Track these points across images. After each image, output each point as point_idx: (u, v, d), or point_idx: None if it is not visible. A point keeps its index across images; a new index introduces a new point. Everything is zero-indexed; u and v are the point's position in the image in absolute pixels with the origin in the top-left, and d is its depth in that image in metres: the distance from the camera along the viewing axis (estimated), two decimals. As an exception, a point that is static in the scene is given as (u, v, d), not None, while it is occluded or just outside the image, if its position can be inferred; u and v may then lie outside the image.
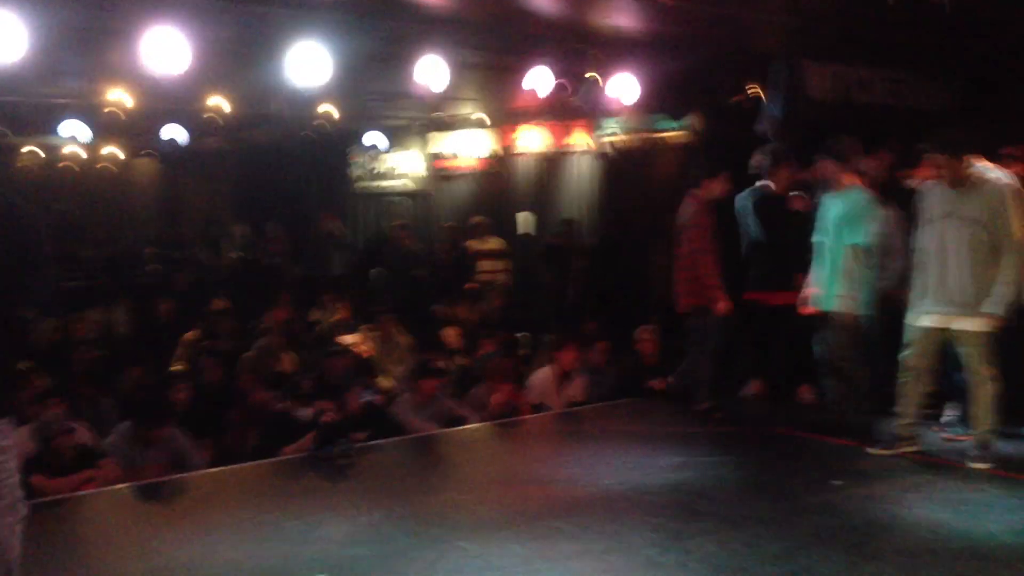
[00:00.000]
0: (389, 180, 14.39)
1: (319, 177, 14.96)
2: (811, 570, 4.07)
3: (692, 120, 9.99)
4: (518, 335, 9.37)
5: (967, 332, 5.43)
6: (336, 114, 11.55)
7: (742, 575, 4.03)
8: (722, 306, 6.72)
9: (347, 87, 8.72)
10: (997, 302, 5.33)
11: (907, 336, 5.65)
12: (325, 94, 9.99)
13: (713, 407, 6.87)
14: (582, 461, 5.92)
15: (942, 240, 5.49)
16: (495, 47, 8.55)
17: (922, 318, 5.57)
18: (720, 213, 7.04)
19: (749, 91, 8.75)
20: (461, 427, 6.95)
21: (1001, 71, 8.30)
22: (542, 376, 7.75)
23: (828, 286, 6.30)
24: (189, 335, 8.77)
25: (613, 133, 11.07)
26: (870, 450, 5.79)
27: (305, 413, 6.31)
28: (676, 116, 10.17)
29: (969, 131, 5.78)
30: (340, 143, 13.86)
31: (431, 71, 7.67)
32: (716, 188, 6.98)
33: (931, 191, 5.62)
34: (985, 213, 5.36)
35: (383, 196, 14.51)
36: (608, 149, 11.08)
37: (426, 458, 6.46)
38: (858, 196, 6.27)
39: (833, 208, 6.32)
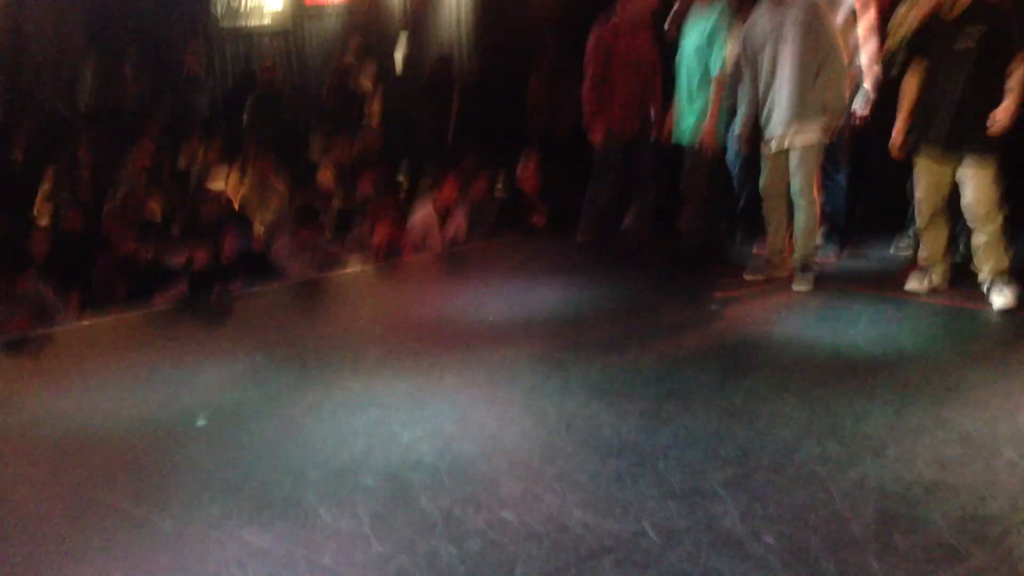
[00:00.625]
0: (254, 18, 13.60)
1: (180, 13, 14.00)
2: (687, 386, 4.21)
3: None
4: (398, 173, 9.19)
5: (799, 149, 5.54)
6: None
7: (620, 395, 4.13)
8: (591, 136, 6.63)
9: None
10: (830, 112, 5.48)
11: (761, 163, 5.76)
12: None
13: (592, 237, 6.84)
14: (466, 298, 5.91)
15: (770, 61, 5.53)
16: None
17: (768, 143, 5.66)
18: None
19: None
20: (342, 269, 6.83)
21: None
22: (423, 214, 7.64)
23: (685, 116, 6.24)
24: (46, 185, 8.28)
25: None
26: (745, 276, 5.95)
27: (177, 260, 6.09)
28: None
29: None
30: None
31: None
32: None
33: (753, 18, 5.63)
34: (805, 29, 5.41)
35: (248, 35, 13.75)
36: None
37: (306, 302, 6.37)
38: (715, 16, 6.07)
39: (691, 33, 6.19)
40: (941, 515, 3.00)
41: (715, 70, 6.06)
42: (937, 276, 5.37)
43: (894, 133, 5.32)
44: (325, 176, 8.68)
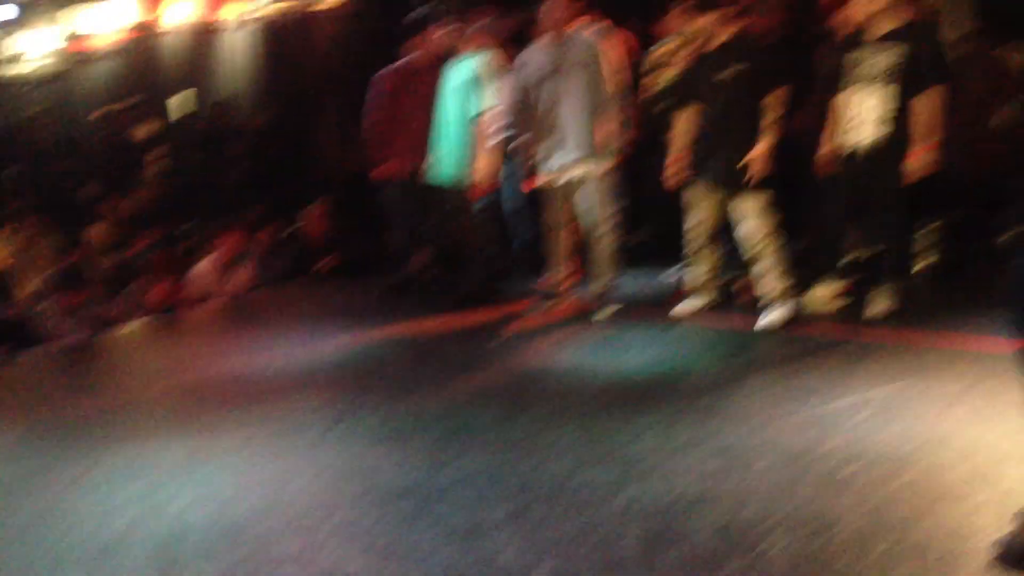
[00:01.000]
0: (18, 65, 12.85)
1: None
2: (470, 424, 4.24)
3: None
4: (180, 226, 8.87)
5: (582, 180, 5.75)
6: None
7: (403, 439, 4.11)
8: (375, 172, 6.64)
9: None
10: (608, 148, 5.72)
11: (543, 197, 5.92)
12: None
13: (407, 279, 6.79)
14: (248, 349, 5.77)
15: (549, 96, 5.73)
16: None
17: (547, 176, 5.83)
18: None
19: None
20: (117, 330, 6.51)
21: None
22: (203, 267, 7.42)
23: (452, 158, 6.31)
24: None
25: (266, 4, 10.50)
26: (528, 310, 6.08)
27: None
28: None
29: None
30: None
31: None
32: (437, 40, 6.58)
33: (530, 55, 5.82)
34: (582, 66, 5.66)
35: (13, 83, 12.97)
36: (258, 21, 10.51)
37: (75, 367, 6.04)
38: (474, 59, 6.22)
39: (454, 75, 6.29)
40: (702, 526, 3.13)
41: (480, 109, 6.17)
42: (705, 300, 5.65)
43: (667, 165, 5.56)
44: (98, 232, 8.27)
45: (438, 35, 6.45)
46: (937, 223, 6.21)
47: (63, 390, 5.41)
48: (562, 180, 5.79)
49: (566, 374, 4.89)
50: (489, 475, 3.68)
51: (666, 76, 6.06)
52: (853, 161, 5.22)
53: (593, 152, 5.69)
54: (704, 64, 5.39)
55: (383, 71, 6.61)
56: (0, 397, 5.32)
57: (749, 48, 5.31)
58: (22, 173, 10.72)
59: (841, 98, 5.21)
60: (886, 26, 5.07)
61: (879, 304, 5.30)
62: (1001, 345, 4.72)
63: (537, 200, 6.05)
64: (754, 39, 5.45)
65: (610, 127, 5.68)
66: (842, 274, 5.54)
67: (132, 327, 6.57)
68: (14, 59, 12.81)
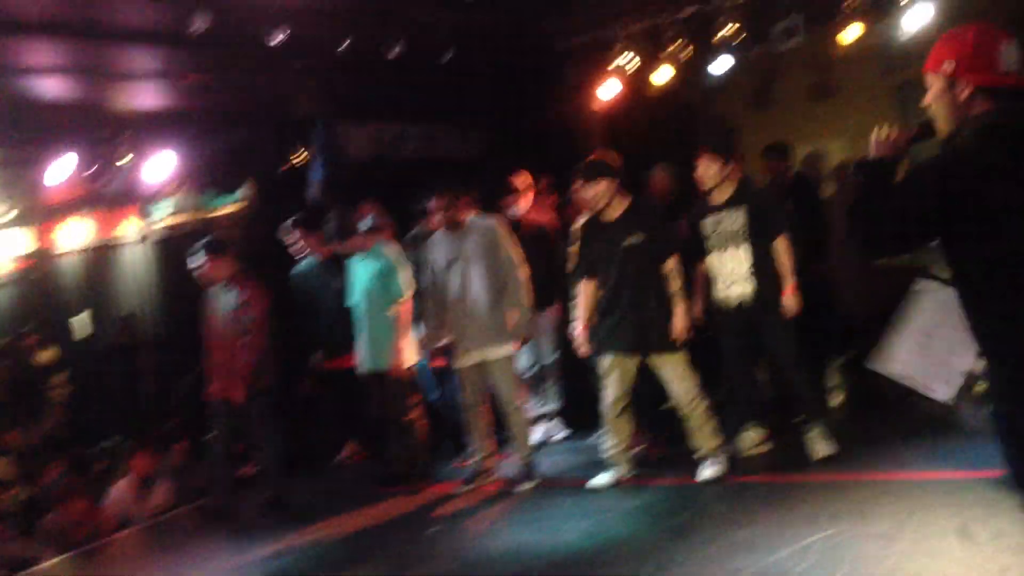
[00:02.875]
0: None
1: None
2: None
3: (246, 191, 9.82)
4: (91, 449, 8.56)
5: (498, 361, 5.86)
6: None
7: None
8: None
9: None
10: (518, 326, 5.87)
11: (456, 379, 6.01)
12: None
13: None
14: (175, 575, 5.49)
15: (456, 283, 5.90)
16: (9, 142, 7.82)
17: (460, 358, 5.93)
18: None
19: (297, 157, 8.78)
20: (32, 567, 6.14)
21: (519, 116, 9.11)
22: (120, 488, 7.13)
23: (374, 346, 6.34)
24: None
25: (164, 217, 10.57)
26: (457, 490, 5.99)
27: None
28: (229, 190, 9.95)
29: (466, 181, 6.26)
30: None
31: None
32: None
33: (434, 243, 6.04)
34: (485, 252, 5.86)
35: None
36: (159, 234, 10.55)
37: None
38: (382, 255, 6.43)
39: (361, 270, 6.43)
40: None
41: (402, 295, 6.30)
42: (621, 472, 5.61)
43: (577, 334, 5.64)
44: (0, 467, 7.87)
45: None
46: (839, 361, 6.46)
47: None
48: (473, 361, 5.88)
49: (506, 556, 4.78)
50: None
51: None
52: (737, 314, 5.49)
53: (502, 333, 5.82)
54: (601, 231, 5.54)
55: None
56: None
57: (644, 217, 5.51)
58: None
59: (709, 259, 5.57)
60: (728, 191, 5.52)
61: (819, 447, 5.36)
62: (925, 473, 4.85)
63: (451, 381, 6.12)
64: (650, 208, 5.68)
65: (516, 309, 5.84)
66: (761, 418, 5.65)
67: (50, 565, 6.20)
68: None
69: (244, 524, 6.21)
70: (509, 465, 6.07)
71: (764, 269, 5.42)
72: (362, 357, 6.39)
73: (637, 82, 8.66)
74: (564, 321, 6.48)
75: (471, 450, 6.07)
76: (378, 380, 6.33)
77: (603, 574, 4.23)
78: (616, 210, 5.50)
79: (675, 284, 5.41)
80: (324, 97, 8.58)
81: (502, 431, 6.11)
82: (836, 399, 6.44)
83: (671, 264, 5.42)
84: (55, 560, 6.26)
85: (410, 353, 6.33)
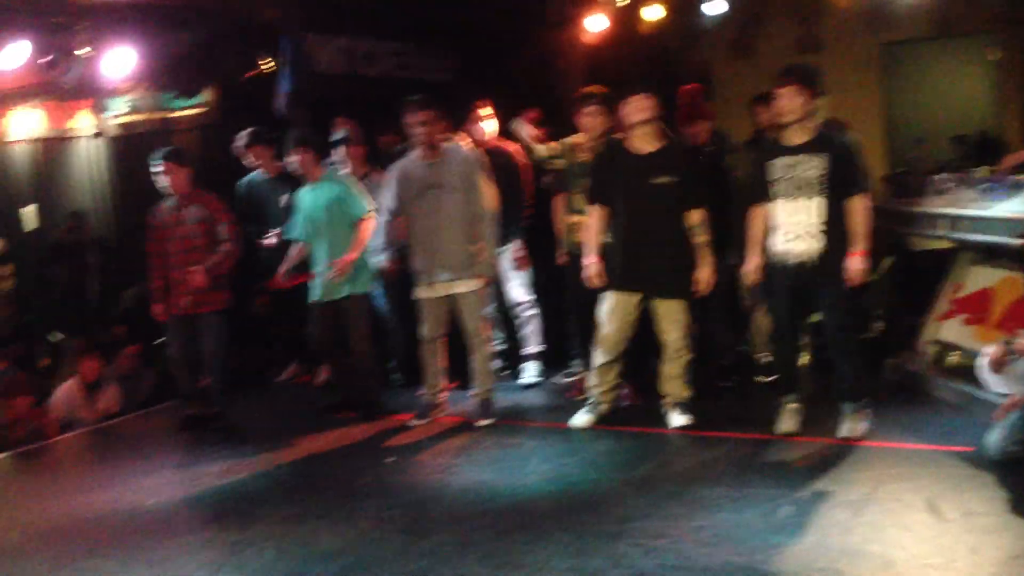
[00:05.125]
0: None
1: None
2: (368, 558, 3.99)
3: (206, 96, 9.48)
4: (36, 346, 8.33)
5: (464, 295, 5.73)
6: None
7: (298, 578, 3.85)
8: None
9: None
10: (488, 262, 5.75)
11: (419, 309, 5.85)
12: None
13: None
14: (120, 481, 5.34)
15: (427, 211, 5.71)
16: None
17: (426, 289, 5.78)
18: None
19: (263, 66, 8.48)
20: (-32, 465, 5.97)
21: (495, 42, 8.87)
22: (66, 389, 6.95)
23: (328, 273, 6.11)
24: None
25: (121, 113, 10.18)
26: (411, 422, 5.91)
27: None
28: (189, 93, 9.59)
29: (448, 104, 6.01)
30: None
31: None
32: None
33: (407, 167, 5.80)
34: (460, 181, 5.67)
35: None
36: (114, 130, 10.17)
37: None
38: (337, 181, 6.18)
39: (315, 198, 6.14)
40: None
41: (362, 213, 6.06)
42: (602, 410, 5.58)
43: (589, 263, 5.36)
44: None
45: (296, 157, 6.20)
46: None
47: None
48: (439, 294, 5.75)
49: (464, 494, 4.70)
50: (397, 616, 3.47)
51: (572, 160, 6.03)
52: (795, 272, 4.99)
53: (472, 267, 5.69)
54: (631, 164, 5.28)
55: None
56: None
57: (679, 159, 5.30)
58: None
59: (772, 207, 5.03)
60: (809, 132, 4.95)
61: (853, 426, 5.01)
62: (896, 443, 4.88)
63: (411, 311, 5.98)
64: (683, 151, 5.44)
65: (485, 245, 5.70)
66: (800, 388, 5.26)
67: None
68: None
69: (194, 438, 6.09)
70: (468, 401, 5.99)
71: (835, 227, 4.87)
72: (315, 284, 6.16)
73: (622, 19, 8.48)
74: (528, 259, 6.42)
75: (427, 383, 5.97)
76: (332, 307, 6.13)
77: (563, 523, 4.17)
78: (650, 144, 5.28)
79: (702, 237, 5.24)
80: (294, 4, 8.27)
81: (462, 366, 6.03)
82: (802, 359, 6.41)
83: (698, 216, 5.24)
84: (-5, 457, 6.08)
85: (367, 279, 6.16)
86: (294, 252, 6.27)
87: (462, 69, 9.24)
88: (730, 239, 5.62)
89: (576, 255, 5.85)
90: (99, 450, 6.48)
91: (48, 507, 5.09)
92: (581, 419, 5.57)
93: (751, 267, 5.11)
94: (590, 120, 5.78)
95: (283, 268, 6.27)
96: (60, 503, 5.13)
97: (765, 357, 6.09)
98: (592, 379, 5.60)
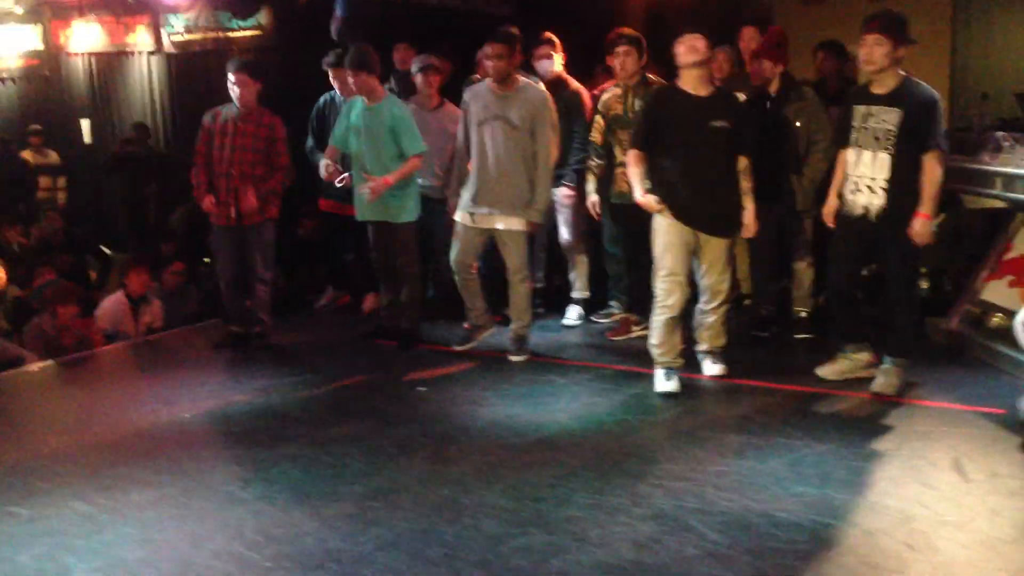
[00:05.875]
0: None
1: None
2: (395, 482, 4.07)
3: (261, 18, 9.49)
4: (87, 256, 8.51)
5: (508, 231, 5.69)
6: None
7: (325, 498, 3.93)
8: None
9: None
10: (536, 207, 5.67)
11: (455, 234, 5.83)
12: None
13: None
14: (159, 395, 5.47)
15: (487, 141, 5.66)
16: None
17: (466, 216, 5.75)
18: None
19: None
20: (16, 369, 6.14)
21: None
22: (112, 302, 7.10)
23: (380, 198, 5.98)
24: None
25: (178, 31, 10.24)
26: (455, 347, 5.95)
27: None
28: (246, 14, 9.61)
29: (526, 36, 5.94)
30: None
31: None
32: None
33: (478, 94, 5.74)
34: (527, 119, 5.60)
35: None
36: (171, 47, 10.23)
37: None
38: (399, 109, 6.05)
39: (370, 118, 6.01)
40: (639, 599, 3.05)
41: (414, 150, 5.98)
42: (680, 361, 5.28)
43: (644, 197, 5.17)
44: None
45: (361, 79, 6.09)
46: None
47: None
48: (478, 225, 5.73)
49: (491, 426, 4.75)
50: (414, 540, 3.54)
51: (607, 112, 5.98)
52: (858, 224, 4.92)
53: (523, 206, 5.64)
54: (687, 108, 5.11)
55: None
56: None
57: (733, 105, 5.19)
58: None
59: (845, 152, 5.00)
60: (890, 83, 4.81)
61: (883, 381, 4.95)
62: (926, 401, 4.82)
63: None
64: (735, 97, 5.33)
65: (540, 187, 5.64)
66: (865, 339, 5.19)
67: (33, 369, 6.20)
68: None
69: (235, 356, 6.21)
70: (503, 335, 6.01)
71: (904, 183, 4.73)
72: (362, 206, 6.12)
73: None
74: (581, 202, 6.35)
75: (467, 312, 6.00)
76: (383, 230, 6.15)
77: (587, 460, 4.21)
78: (705, 89, 5.14)
79: (747, 183, 5.13)
80: (353, -74, 8.19)
81: (501, 301, 6.05)
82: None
83: (745, 162, 5.14)
84: (41, 364, 6.24)
85: (415, 206, 6.13)
86: (328, 155, 6.15)
87: (521, 3, 9.11)
88: (781, 189, 5.51)
89: (619, 204, 5.81)
90: (141, 363, 6.62)
91: (89, 416, 5.24)
92: (669, 384, 5.15)
93: (827, 211, 5.11)
94: (621, 61, 5.71)
95: (326, 173, 6.11)
96: (100, 412, 5.27)
97: (804, 311, 6.02)
98: (657, 338, 5.23)
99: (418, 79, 6.67)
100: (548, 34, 6.45)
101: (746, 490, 3.81)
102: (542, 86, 5.97)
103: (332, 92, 7.01)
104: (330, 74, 6.89)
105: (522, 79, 5.75)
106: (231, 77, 6.08)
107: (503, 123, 5.62)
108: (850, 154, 4.94)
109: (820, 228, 5.46)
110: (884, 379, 4.95)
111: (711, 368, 5.34)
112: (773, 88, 5.83)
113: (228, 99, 6.15)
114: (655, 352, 5.20)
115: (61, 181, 10.11)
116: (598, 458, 4.23)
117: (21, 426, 5.21)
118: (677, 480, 3.94)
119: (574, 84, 6.46)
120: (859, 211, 4.90)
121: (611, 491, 3.86)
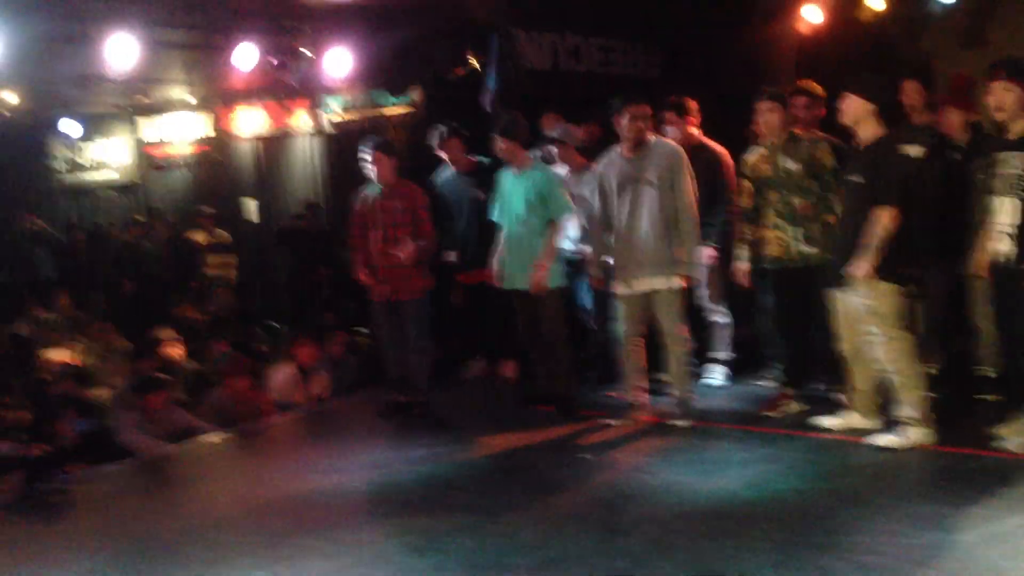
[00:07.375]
0: (95, 172, 13.22)
1: (11, 171, 13.48)
2: (566, 552, 4.01)
3: (413, 94, 9.81)
4: (257, 329, 8.86)
5: (660, 292, 5.61)
6: (17, 100, 10.35)
7: (502, 570, 3.89)
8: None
9: (29, 71, 7.84)
10: (689, 261, 5.58)
11: (616, 306, 5.78)
12: (3, 79, 8.95)
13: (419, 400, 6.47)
14: (329, 464, 5.60)
15: (629, 205, 5.62)
16: (196, 25, 7.98)
17: (622, 286, 5.70)
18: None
19: (469, 63, 8.68)
20: (196, 440, 6.42)
21: (695, 42, 8.70)
22: (283, 373, 7.35)
23: (521, 265, 6.10)
24: None
25: (336, 112, 10.71)
26: (610, 421, 5.86)
27: (7, 448, 5.57)
28: (397, 91, 9.96)
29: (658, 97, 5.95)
30: (32, 133, 12.51)
31: (121, 51, 6.99)
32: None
33: (611, 161, 5.74)
34: (665, 176, 5.56)
35: (89, 190, 13.31)
36: (330, 128, 10.69)
37: (157, 481, 5.91)
38: (544, 174, 6.16)
39: (516, 185, 6.13)
40: None
41: (560, 216, 6.06)
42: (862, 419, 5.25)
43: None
44: (169, 337, 8.19)
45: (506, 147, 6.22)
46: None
47: (145, 509, 5.20)
48: (639, 290, 5.66)
49: (662, 494, 4.63)
50: (593, 613, 3.46)
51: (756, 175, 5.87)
52: (998, 271, 4.80)
53: (671, 265, 5.57)
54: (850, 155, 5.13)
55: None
56: (84, 520, 5.20)
57: (871, 160, 4.99)
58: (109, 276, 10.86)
59: (986, 201, 4.83)
60: (1018, 128, 4.71)
61: (1016, 433, 4.77)
62: None
63: (607, 309, 5.93)
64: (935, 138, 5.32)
65: (686, 244, 5.57)
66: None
67: (210, 438, 6.47)
68: (90, 166, 13.18)
69: (397, 424, 6.31)
70: (665, 400, 5.90)
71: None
72: (510, 275, 6.18)
73: (838, 10, 8.12)
74: (724, 263, 6.20)
75: (623, 381, 5.92)
76: (529, 299, 6.14)
77: (766, 531, 4.04)
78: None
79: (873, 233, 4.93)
80: (503, 1, 8.41)
81: (657, 366, 5.94)
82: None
83: (881, 212, 4.91)
84: (218, 434, 6.50)
85: (558, 274, 6.13)
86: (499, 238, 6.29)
87: (668, 64, 9.13)
88: (958, 243, 5.26)
89: (770, 269, 5.66)
90: (309, 432, 6.82)
91: (264, 484, 5.41)
92: (884, 439, 4.99)
93: (975, 263, 4.92)
94: (765, 119, 5.64)
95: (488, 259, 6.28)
96: (273, 481, 5.43)
97: (986, 370, 5.67)
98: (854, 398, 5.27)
99: (554, 151, 6.75)
100: (675, 98, 6.41)
101: (940, 563, 3.57)
102: (671, 141, 5.90)
103: (443, 171, 7.17)
104: (443, 150, 7.05)
105: (652, 137, 5.72)
106: (367, 156, 6.29)
107: (643, 184, 5.59)
108: (986, 201, 4.81)
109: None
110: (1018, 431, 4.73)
111: (893, 437, 5.02)
112: (962, 138, 5.62)
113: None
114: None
115: (232, 259, 10.61)
116: (777, 528, 4.05)
117: (203, 497, 5.42)
118: (865, 553, 3.73)
119: (713, 145, 6.40)
120: (994, 259, 4.79)
121: (796, 565, 3.68)
